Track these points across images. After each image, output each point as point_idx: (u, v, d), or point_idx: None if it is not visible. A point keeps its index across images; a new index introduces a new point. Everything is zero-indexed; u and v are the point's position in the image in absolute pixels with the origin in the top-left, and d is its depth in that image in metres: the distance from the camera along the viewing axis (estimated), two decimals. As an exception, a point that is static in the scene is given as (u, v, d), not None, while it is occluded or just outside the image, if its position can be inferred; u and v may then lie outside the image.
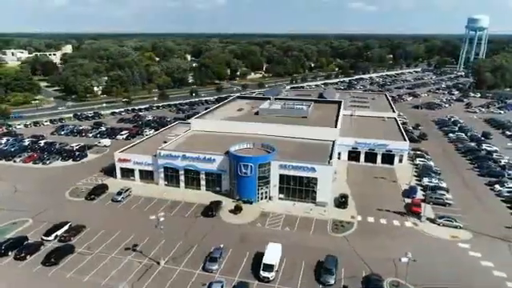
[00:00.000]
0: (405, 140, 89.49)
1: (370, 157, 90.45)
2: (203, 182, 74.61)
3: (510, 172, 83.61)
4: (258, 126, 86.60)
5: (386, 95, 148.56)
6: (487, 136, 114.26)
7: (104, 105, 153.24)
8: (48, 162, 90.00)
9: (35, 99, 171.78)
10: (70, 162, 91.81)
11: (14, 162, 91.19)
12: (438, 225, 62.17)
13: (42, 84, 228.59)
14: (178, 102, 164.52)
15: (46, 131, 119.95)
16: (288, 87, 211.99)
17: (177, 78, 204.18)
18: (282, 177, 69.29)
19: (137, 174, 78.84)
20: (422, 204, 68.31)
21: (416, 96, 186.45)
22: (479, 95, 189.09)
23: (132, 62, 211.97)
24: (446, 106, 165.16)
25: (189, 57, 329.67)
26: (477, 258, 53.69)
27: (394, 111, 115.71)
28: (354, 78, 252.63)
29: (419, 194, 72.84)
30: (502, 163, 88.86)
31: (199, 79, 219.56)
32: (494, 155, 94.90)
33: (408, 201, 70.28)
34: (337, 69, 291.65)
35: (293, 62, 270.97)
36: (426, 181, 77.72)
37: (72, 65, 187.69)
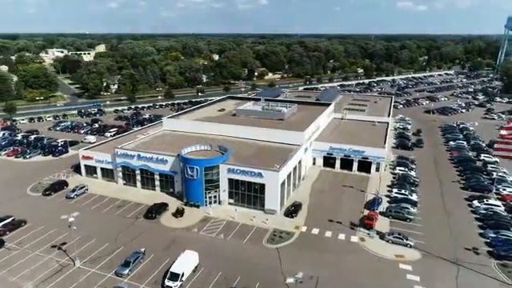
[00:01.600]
0: (383, 147, 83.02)
1: (346, 163, 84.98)
2: (157, 183, 73.54)
3: (498, 187, 75.03)
4: (225, 127, 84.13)
5: (391, 99, 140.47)
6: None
7: (107, 102, 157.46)
8: (28, 157, 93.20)
9: (53, 95, 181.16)
10: (50, 157, 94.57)
11: (4, 152, 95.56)
12: (387, 241, 56.66)
13: (67, 81, 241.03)
14: (182, 101, 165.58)
15: (45, 127, 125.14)
16: (301, 88, 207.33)
17: (189, 78, 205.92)
18: (231, 181, 66.55)
19: (99, 171, 79.34)
20: (382, 218, 63.38)
21: (434, 100, 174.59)
22: (506, 100, 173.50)
23: (150, 61, 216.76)
24: (463, 111, 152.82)
25: (217, 56, 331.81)
26: (413, 282, 48.00)
27: (388, 116, 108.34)
28: (375, 79, 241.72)
29: (383, 207, 67.16)
30: (494, 176, 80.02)
31: (213, 79, 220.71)
32: (489, 167, 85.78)
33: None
34: (361, 70, 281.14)
35: (313, 62, 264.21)
36: (394, 192, 71.72)
37: (87, 63, 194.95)
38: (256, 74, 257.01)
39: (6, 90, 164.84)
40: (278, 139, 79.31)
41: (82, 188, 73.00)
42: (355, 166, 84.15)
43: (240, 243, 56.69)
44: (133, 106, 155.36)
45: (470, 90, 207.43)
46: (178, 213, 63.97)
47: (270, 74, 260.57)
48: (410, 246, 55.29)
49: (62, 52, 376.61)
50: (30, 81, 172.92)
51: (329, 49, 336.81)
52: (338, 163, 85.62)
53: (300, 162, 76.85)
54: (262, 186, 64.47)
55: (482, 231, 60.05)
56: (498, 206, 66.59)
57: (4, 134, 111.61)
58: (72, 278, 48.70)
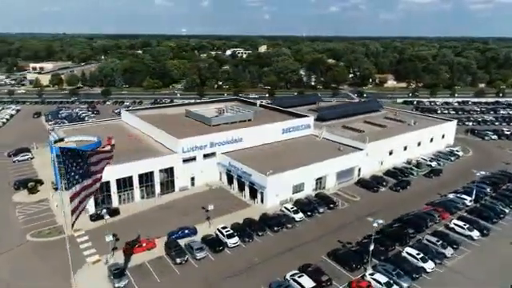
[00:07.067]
0: (267, 175, 65.17)
1: (241, 185, 71.96)
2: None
3: (377, 271, 48.52)
4: (142, 124, 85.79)
5: (453, 123, 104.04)
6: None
7: (178, 95, 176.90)
8: (53, 123, 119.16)
9: (170, 85, 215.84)
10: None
11: (50, 123, 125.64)
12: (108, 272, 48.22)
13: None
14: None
15: (112, 109, 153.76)
16: (400, 100, 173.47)
17: (284, 79, 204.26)
18: (76, 172, 69.24)
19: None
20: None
21: None
22: None
23: (273, 61, 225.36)
24: None
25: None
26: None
27: (365, 143, 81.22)
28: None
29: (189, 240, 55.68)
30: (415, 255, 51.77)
31: (315, 81, 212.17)
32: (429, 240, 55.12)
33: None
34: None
35: (455, 71, 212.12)
36: (217, 229, 57.55)
37: (195, 59, 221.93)
38: (377, 80, 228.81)
39: (133, 78, 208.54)
40: (164, 143, 75.78)
41: (25, 156, 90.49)
42: (247, 190, 70.20)
43: (21, 228, 59.75)
44: (198, 100, 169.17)
45: None
46: (29, 190, 71.85)
47: (392, 82, 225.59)
48: (117, 288, 45.55)
49: (237, 52, 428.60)
50: (150, 71, 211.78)
51: (509, 56, 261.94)
52: (235, 183, 73.40)
53: (171, 171, 71.06)
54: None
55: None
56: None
57: (74, 110, 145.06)
58: None
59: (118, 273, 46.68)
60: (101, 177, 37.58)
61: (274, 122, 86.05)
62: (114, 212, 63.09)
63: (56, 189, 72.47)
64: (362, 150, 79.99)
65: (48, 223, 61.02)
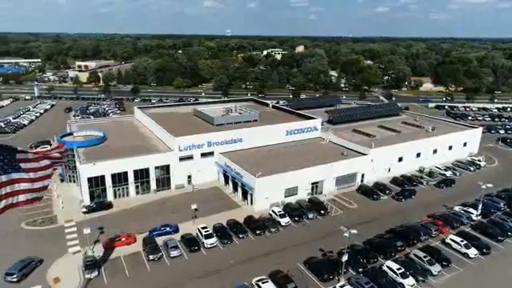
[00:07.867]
0: (256, 176, 63.94)
1: (235, 186, 71.44)
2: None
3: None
4: (148, 120, 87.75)
5: (478, 130, 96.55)
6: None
7: (203, 94, 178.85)
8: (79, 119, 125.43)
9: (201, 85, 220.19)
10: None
11: (76, 117, 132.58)
12: (83, 264, 49.71)
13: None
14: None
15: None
16: (432, 105, 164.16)
17: (312, 80, 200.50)
18: (78, 166, 72.48)
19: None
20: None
21: None
22: None
23: (297, 61, 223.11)
24: None
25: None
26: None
27: (371, 148, 77.24)
28: None
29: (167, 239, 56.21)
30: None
31: (346, 83, 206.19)
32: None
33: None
34: None
35: (499, 75, 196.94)
36: (199, 226, 57.40)
37: (225, 59, 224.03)
38: (412, 83, 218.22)
39: (165, 77, 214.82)
40: (164, 140, 77.08)
41: (44, 148, 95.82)
42: (239, 191, 69.65)
43: (19, 215, 63.07)
44: (217, 100, 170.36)
45: None
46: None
47: (429, 85, 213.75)
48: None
49: (272, 52, 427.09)
50: (182, 71, 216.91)
51: None
52: (230, 184, 73.02)
53: (167, 169, 72.07)
54: (83, 176, 67.45)
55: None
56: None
57: (102, 106, 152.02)
58: None
59: (89, 264, 48.02)
60: (39, 177, 36.51)
61: (277, 124, 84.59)
62: (107, 206, 65.21)
63: (62, 180, 76.32)
64: (366, 155, 76.44)
65: (45, 213, 64.16)
